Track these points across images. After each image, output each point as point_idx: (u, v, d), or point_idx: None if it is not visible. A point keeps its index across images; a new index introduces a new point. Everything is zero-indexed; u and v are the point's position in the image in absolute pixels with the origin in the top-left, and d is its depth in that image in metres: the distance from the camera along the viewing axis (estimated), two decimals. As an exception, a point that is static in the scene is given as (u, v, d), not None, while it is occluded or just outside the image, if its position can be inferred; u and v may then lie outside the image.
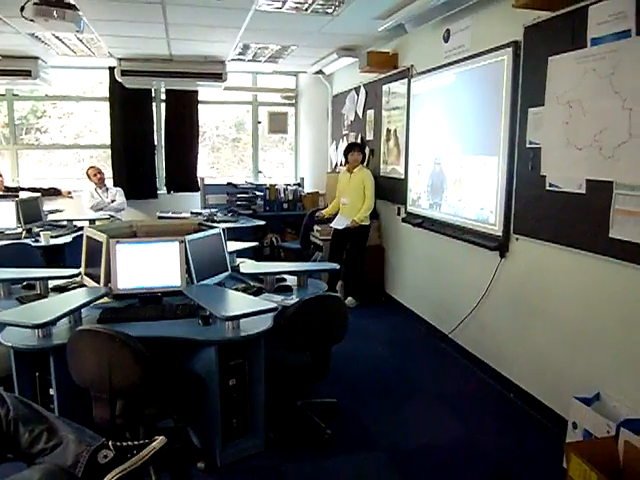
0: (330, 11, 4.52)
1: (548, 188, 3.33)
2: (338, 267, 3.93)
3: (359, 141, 6.65)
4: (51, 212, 6.42)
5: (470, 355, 4.38)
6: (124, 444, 2.07)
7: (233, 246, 4.01)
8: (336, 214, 5.94)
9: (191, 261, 3.16)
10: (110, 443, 2.06)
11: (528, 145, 3.52)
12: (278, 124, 8.12)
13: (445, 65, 4.57)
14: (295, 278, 3.71)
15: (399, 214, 5.69)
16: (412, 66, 5.26)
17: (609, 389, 2.93)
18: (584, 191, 3.04)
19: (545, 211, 3.38)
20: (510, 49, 3.66)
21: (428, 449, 3.16)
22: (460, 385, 4.02)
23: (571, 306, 3.25)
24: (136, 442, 2.09)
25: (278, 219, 7.61)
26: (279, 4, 4.32)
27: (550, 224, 3.34)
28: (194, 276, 3.18)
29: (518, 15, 3.45)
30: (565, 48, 3.14)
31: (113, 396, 2.47)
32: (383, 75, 5.90)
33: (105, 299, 3.10)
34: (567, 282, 3.28)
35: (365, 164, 6.46)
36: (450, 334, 4.66)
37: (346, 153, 5.85)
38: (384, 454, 3.10)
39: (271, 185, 7.77)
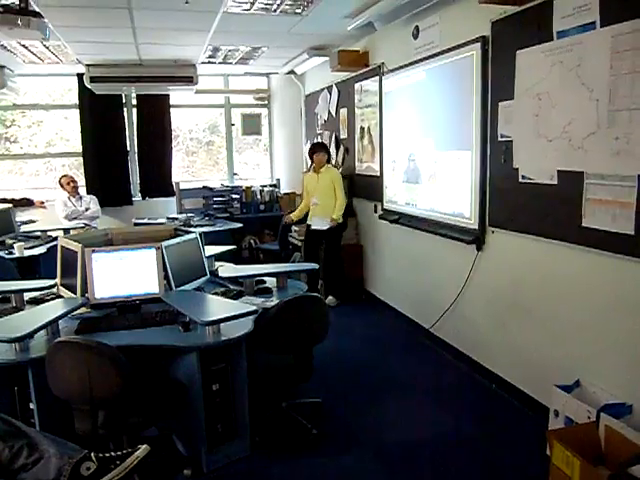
0: (299, 11, 4.52)
1: (521, 180, 3.38)
2: (317, 267, 3.93)
3: (334, 140, 6.66)
4: (24, 223, 6.32)
5: (451, 348, 4.42)
6: (107, 455, 2.05)
7: (211, 250, 3.99)
8: (305, 216, 5.93)
9: (169, 267, 3.14)
10: (92, 455, 2.04)
11: (500, 138, 3.57)
12: (252, 126, 8.10)
13: (415, 62, 4.60)
14: (275, 280, 3.70)
15: (376, 211, 5.71)
16: (383, 64, 5.28)
17: (588, 375, 2.98)
18: (556, 182, 3.09)
19: (519, 203, 3.42)
20: (478, 44, 3.70)
21: (413, 444, 3.18)
22: (443, 378, 4.06)
23: (548, 295, 3.29)
24: (119, 452, 2.08)
25: (255, 221, 7.59)
26: (247, 6, 4.30)
27: (524, 215, 3.38)
28: (172, 282, 3.16)
29: (485, 10, 3.49)
30: (532, 42, 3.18)
31: (94, 407, 2.44)
32: (354, 73, 5.91)
33: (83, 309, 3.06)
34: (543, 272, 3.33)
35: (341, 162, 6.49)
36: (431, 328, 4.70)
37: (311, 154, 5.83)
38: (370, 451, 3.11)
39: (247, 187, 7.74)
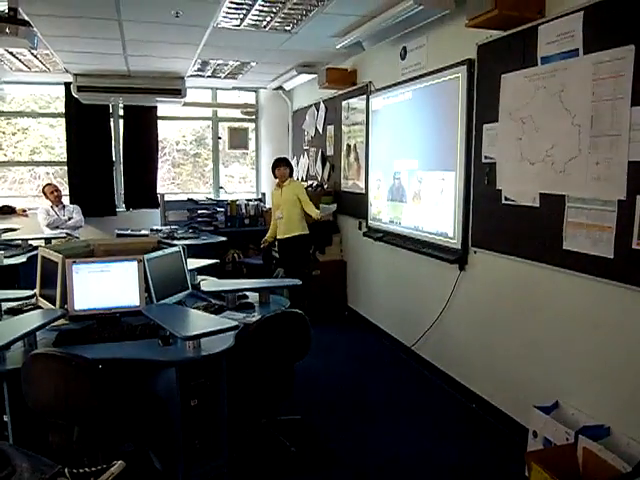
0: (289, 29, 4.56)
1: (504, 202, 3.41)
2: (300, 283, 3.92)
3: (320, 156, 6.69)
4: (5, 231, 6.23)
5: (433, 367, 4.42)
6: (81, 471, 2.00)
7: (194, 263, 3.96)
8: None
9: (150, 280, 3.11)
10: (66, 470, 1.99)
11: (484, 160, 3.61)
12: (238, 140, 8.10)
13: (402, 82, 4.65)
14: (257, 295, 3.69)
15: (360, 228, 5.73)
16: (370, 82, 5.33)
17: (567, 397, 3.00)
18: (538, 204, 3.13)
19: (501, 224, 3.46)
20: (464, 67, 3.76)
21: (393, 464, 3.16)
22: (423, 397, 4.05)
23: (529, 317, 3.32)
24: (94, 468, 2.04)
25: (240, 235, 7.56)
26: (237, 21, 4.33)
27: (506, 237, 3.41)
28: (153, 295, 3.12)
29: (471, 34, 3.54)
30: (516, 66, 3.24)
31: (70, 421, 2.40)
32: (342, 91, 5.96)
33: (62, 321, 3.02)
34: (524, 293, 3.35)
35: (326, 179, 6.51)
36: (413, 347, 4.70)
37: (273, 169, 5.78)
38: (349, 470, 3.09)
39: (232, 201, 7.73)
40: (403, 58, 4.69)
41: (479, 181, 3.68)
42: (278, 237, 5.72)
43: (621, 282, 2.61)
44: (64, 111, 7.49)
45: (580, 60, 2.80)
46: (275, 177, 5.86)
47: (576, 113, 2.83)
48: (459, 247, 3.93)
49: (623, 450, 2.56)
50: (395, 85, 4.78)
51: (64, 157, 7.62)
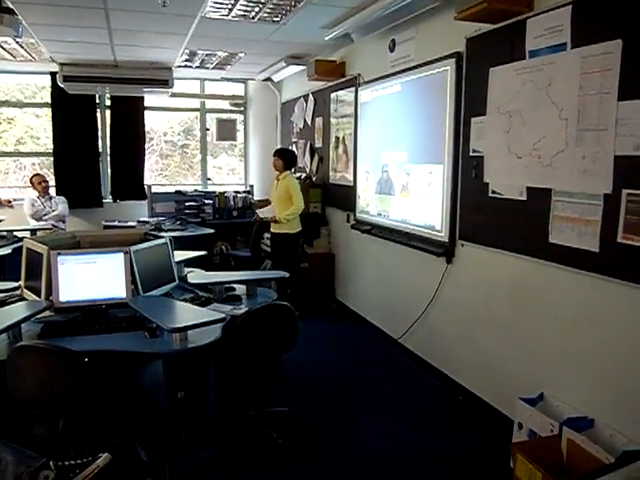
0: (277, 19, 4.53)
1: (491, 195, 3.43)
2: (287, 275, 3.92)
3: (308, 148, 6.68)
4: (-11, 222, 6.17)
5: (419, 359, 4.45)
6: (66, 463, 2.00)
7: (181, 255, 3.94)
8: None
9: (137, 272, 3.09)
10: (51, 463, 1.99)
11: (471, 153, 3.62)
12: (227, 131, 8.05)
13: (391, 74, 4.64)
14: (244, 287, 3.68)
15: (348, 221, 5.73)
16: (359, 75, 5.32)
17: (552, 389, 3.03)
18: (525, 198, 3.14)
19: (488, 217, 3.47)
20: (453, 60, 3.76)
21: (380, 455, 3.18)
22: (410, 389, 4.07)
23: (515, 309, 3.34)
24: (79, 460, 2.03)
25: (228, 227, 7.54)
26: (226, 12, 4.30)
27: (493, 230, 3.43)
28: (140, 287, 3.11)
29: (460, 27, 3.54)
30: (505, 60, 3.25)
31: (55, 413, 2.39)
32: (331, 83, 5.94)
33: (47, 313, 2.99)
34: (511, 286, 3.37)
35: (315, 171, 6.49)
36: (400, 339, 4.72)
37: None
38: (337, 462, 3.10)
39: (220, 193, 7.70)
40: (392, 50, 4.68)
41: (467, 174, 3.69)
42: (271, 230, 5.69)
43: (606, 275, 2.64)
44: (50, 101, 7.41)
45: (568, 54, 2.80)
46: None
47: (563, 107, 2.84)
48: (446, 240, 3.94)
49: (606, 441, 2.59)
50: (384, 77, 4.77)
51: (50, 147, 7.55)
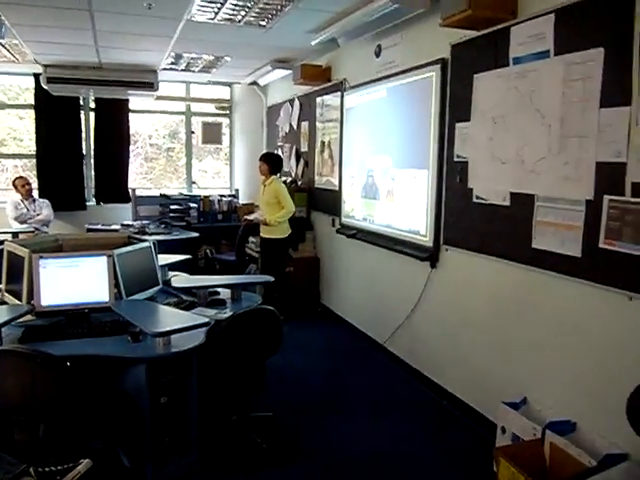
0: (264, 23, 4.53)
1: (475, 200, 3.45)
2: (272, 279, 3.91)
3: (294, 152, 6.68)
4: (-30, 225, 6.09)
5: (404, 364, 4.46)
6: (47, 469, 1.97)
7: (165, 259, 3.92)
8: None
9: (120, 276, 3.07)
10: (31, 469, 1.96)
11: (456, 159, 3.64)
12: (212, 134, 8.03)
13: (377, 80, 4.66)
14: (229, 291, 3.67)
15: (334, 225, 5.73)
16: (345, 79, 5.34)
17: (535, 393, 3.05)
18: (508, 203, 3.17)
19: (472, 222, 3.49)
20: (438, 66, 3.78)
21: (364, 459, 3.17)
22: (394, 394, 4.08)
23: (498, 314, 3.36)
24: (60, 467, 2.01)
25: (213, 231, 7.52)
26: (212, 15, 4.29)
27: (477, 235, 3.45)
28: (123, 291, 3.09)
29: (446, 33, 3.57)
30: (489, 66, 3.27)
31: (36, 419, 2.35)
32: (317, 88, 5.95)
33: (28, 317, 2.96)
34: (494, 291, 3.39)
35: (300, 175, 6.50)
36: (384, 343, 4.73)
37: None
38: (321, 466, 3.09)
39: (205, 196, 7.68)
40: (378, 56, 4.71)
41: (451, 179, 3.71)
42: (261, 235, 5.67)
43: (588, 280, 2.66)
44: (34, 102, 7.34)
45: (551, 61, 2.84)
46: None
47: (546, 114, 2.87)
48: (431, 245, 3.96)
49: (589, 445, 2.61)
50: (369, 83, 4.79)
51: (33, 150, 7.47)
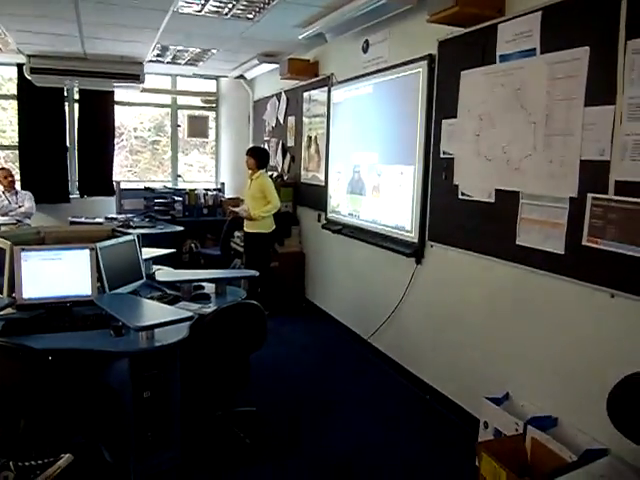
0: (251, 17, 4.50)
1: (460, 197, 3.46)
2: (257, 274, 3.90)
3: (280, 147, 6.66)
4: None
5: (388, 359, 4.47)
6: (27, 464, 1.96)
7: (149, 253, 3.89)
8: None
9: (103, 269, 3.04)
10: (11, 463, 1.94)
11: (442, 155, 3.65)
12: (198, 128, 7.99)
13: (364, 75, 4.65)
14: (214, 285, 3.65)
15: (319, 220, 5.73)
16: (332, 74, 5.32)
17: (518, 389, 3.07)
18: (493, 200, 3.18)
19: (458, 219, 3.51)
20: (425, 62, 3.78)
21: (348, 454, 3.18)
22: (378, 389, 4.09)
23: (482, 310, 3.38)
24: (40, 461, 1.99)
25: (198, 225, 7.48)
26: (198, 7, 4.25)
27: (462, 231, 3.46)
28: (106, 285, 3.06)
29: (433, 29, 3.57)
30: (476, 63, 3.28)
31: (15, 413, 2.33)
32: (304, 82, 5.93)
33: (9, 310, 2.92)
34: (478, 287, 3.41)
35: (287, 170, 6.48)
36: (369, 339, 4.74)
37: None
38: (304, 461, 3.09)
39: (190, 190, 7.64)
40: (365, 51, 4.70)
41: (437, 176, 3.72)
42: (244, 229, 5.65)
43: (571, 277, 2.69)
44: (17, 93, 7.23)
45: (537, 59, 2.85)
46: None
47: (532, 111, 2.88)
48: (416, 241, 3.97)
49: (570, 440, 2.64)
50: (357, 78, 4.78)
51: (16, 141, 7.37)
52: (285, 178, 6.47)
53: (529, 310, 3.01)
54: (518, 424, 2.82)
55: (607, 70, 2.46)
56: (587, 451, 2.51)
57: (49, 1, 4.17)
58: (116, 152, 7.87)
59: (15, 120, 7.34)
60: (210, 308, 3.19)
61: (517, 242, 3.00)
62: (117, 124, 7.85)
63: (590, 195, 2.56)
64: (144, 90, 7.50)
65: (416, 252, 3.98)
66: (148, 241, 4.35)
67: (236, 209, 5.72)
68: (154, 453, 2.86)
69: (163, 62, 6.74)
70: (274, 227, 5.60)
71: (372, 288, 4.74)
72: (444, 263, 3.75)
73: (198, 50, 6.06)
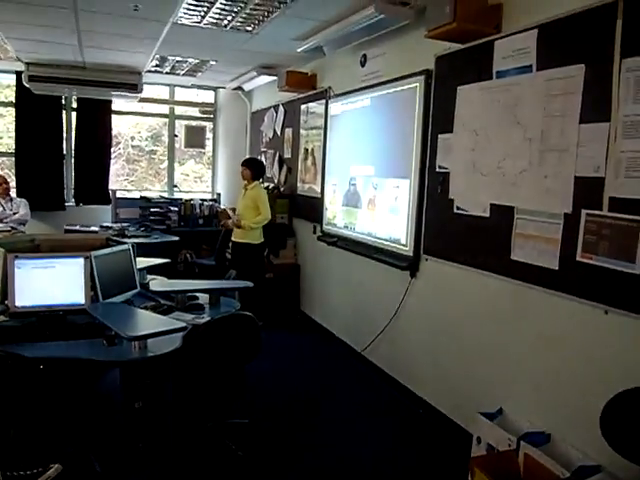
0: (250, 29, 4.53)
1: (456, 211, 3.47)
2: (251, 285, 3.89)
3: (277, 159, 6.67)
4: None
5: (382, 372, 4.45)
6: (15, 474, 1.94)
7: (144, 262, 3.88)
8: None
9: (97, 278, 3.02)
10: (0, 473, 1.92)
11: (438, 169, 3.66)
12: (195, 138, 8.00)
13: (362, 89, 4.68)
14: (208, 296, 3.64)
15: (315, 232, 5.73)
16: (330, 88, 5.35)
17: (511, 404, 3.06)
18: (488, 215, 3.19)
19: (453, 233, 3.51)
20: (422, 77, 3.81)
21: (339, 468, 3.16)
22: (371, 402, 4.07)
23: (476, 325, 3.38)
24: (29, 471, 1.97)
25: (193, 235, 7.47)
26: (198, 19, 4.28)
27: (457, 245, 3.47)
28: (100, 294, 3.04)
29: (430, 45, 3.59)
30: (473, 79, 3.31)
31: (5, 423, 2.30)
32: (302, 95, 5.96)
33: (1, 317, 2.90)
34: (472, 302, 3.41)
35: (283, 182, 6.49)
36: (363, 352, 4.72)
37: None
38: (296, 474, 3.07)
39: (186, 200, 7.64)
40: (363, 65, 4.73)
41: (433, 190, 3.73)
42: (232, 238, 5.65)
43: (565, 293, 2.69)
44: (14, 101, 7.24)
45: (533, 76, 2.87)
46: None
47: (527, 127, 2.90)
48: (411, 254, 3.97)
49: (563, 456, 2.63)
50: (354, 91, 4.81)
51: (12, 148, 7.37)
52: (281, 189, 6.47)
53: (523, 325, 3.01)
54: (511, 440, 2.80)
55: (602, 87, 2.48)
56: (580, 467, 2.50)
57: (49, 10, 4.19)
58: (113, 161, 7.88)
59: (12, 127, 7.35)
60: (204, 319, 3.17)
61: (512, 257, 3.01)
62: (114, 133, 7.87)
63: (584, 211, 2.58)
64: (142, 100, 7.53)
65: (411, 265, 3.98)
66: (143, 250, 4.33)
67: (228, 222, 5.69)
68: (145, 464, 2.84)
69: (162, 72, 6.77)
70: (262, 240, 5.58)
71: (367, 301, 4.74)
72: (439, 277, 3.75)
73: (197, 61, 6.09)
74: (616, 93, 2.42)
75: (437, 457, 3.33)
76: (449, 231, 3.55)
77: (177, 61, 6.13)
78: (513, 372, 3.08)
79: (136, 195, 7.71)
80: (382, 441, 3.49)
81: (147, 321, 2.89)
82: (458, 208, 3.45)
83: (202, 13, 4.14)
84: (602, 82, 2.48)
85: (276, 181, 6.69)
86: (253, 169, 5.56)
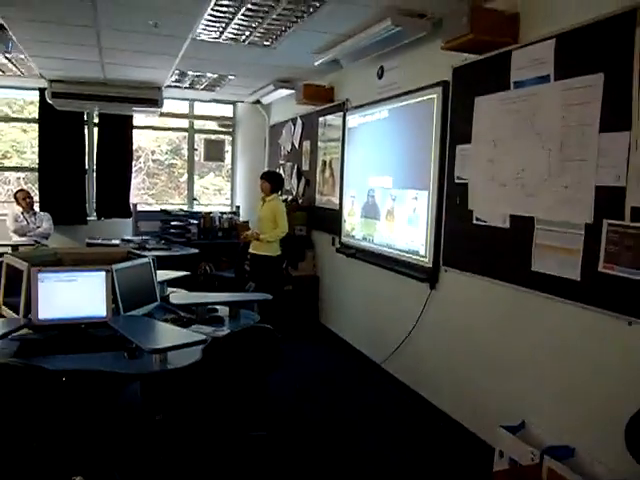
0: (268, 43, 4.58)
1: (475, 222, 3.45)
2: (270, 297, 3.89)
3: (295, 171, 6.70)
4: (-30, 237, 6.09)
5: (402, 385, 4.42)
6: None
7: (164, 275, 3.91)
8: None
9: (118, 291, 3.05)
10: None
11: (456, 180, 3.65)
12: (214, 152, 8.07)
13: (379, 101, 4.70)
14: (227, 308, 3.65)
15: (334, 244, 5.73)
16: (347, 100, 5.38)
17: (534, 417, 3.02)
18: (508, 226, 3.17)
19: (472, 244, 3.49)
20: (440, 88, 3.81)
21: (359, 482, 3.14)
22: (391, 415, 4.04)
23: (497, 336, 3.35)
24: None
25: (213, 248, 7.51)
26: (217, 34, 4.34)
27: (477, 257, 3.45)
28: (121, 307, 3.07)
29: (447, 56, 3.60)
30: (490, 90, 3.30)
31: (28, 436, 2.33)
32: (319, 107, 6.00)
33: (25, 331, 2.94)
34: (493, 313, 3.38)
35: (301, 194, 6.51)
36: (382, 364, 4.70)
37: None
38: (315, 488, 3.06)
39: (206, 213, 7.69)
40: (380, 77, 4.75)
41: (451, 201, 3.71)
42: (250, 250, 5.67)
43: (588, 304, 2.66)
44: (38, 116, 7.38)
45: (551, 86, 2.86)
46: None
47: (546, 137, 2.88)
48: (430, 266, 3.95)
49: (587, 471, 2.58)
50: (372, 104, 4.83)
51: (36, 163, 7.50)
52: (300, 202, 6.50)
53: (545, 337, 2.97)
54: (534, 454, 2.76)
55: (622, 96, 2.45)
56: (605, 483, 2.45)
57: (72, 29, 4.28)
58: (133, 175, 7.97)
59: (35, 142, 7.48)
60: (224, 331, 3.18)
61: (532, 268, 2.98)
62: (135, 147, 7.97)
63: (606, 221, 2.55)
64: (162, 114, 7.62)
65: (430, 277, 3.96)
66: (163, 263, 4.36)
67: (248, 233, 5.72)
68: (166, 476, 2.84)
69: (181, 87, 6.85)
70: (280, 252, 5.59)
71: (386, 313, 4.72)
72: (458, 288, 3.72)
73: (216, 76, 6.16)
74: (636, 101, 2.40)
75: (459, 471, 3.29)
76: (469, 242, 3.53)
77: (196, 76, 6.21)
78: (535, 384, 3.04)
79: (156, 208, 7.80)
80: (402, 454, 3.46)
81: (167, 334, 2.91)
82: (477, 219, 3.44)
83: (221, 29, 4.19)
84: (622, 90, 2.46)
85: (294, 193, 6.72)
86: (272, 182, 5.58)
